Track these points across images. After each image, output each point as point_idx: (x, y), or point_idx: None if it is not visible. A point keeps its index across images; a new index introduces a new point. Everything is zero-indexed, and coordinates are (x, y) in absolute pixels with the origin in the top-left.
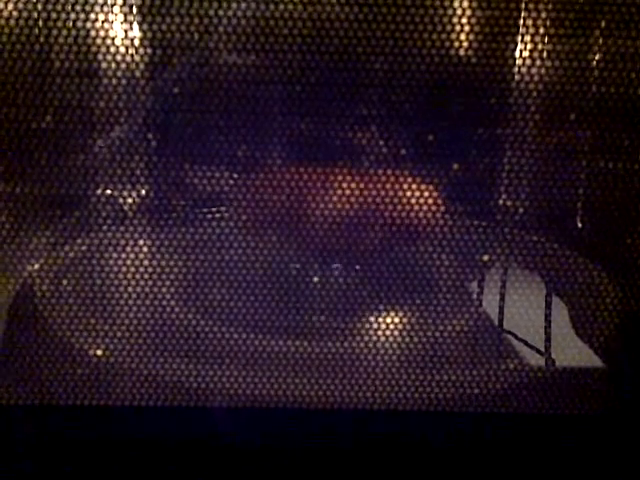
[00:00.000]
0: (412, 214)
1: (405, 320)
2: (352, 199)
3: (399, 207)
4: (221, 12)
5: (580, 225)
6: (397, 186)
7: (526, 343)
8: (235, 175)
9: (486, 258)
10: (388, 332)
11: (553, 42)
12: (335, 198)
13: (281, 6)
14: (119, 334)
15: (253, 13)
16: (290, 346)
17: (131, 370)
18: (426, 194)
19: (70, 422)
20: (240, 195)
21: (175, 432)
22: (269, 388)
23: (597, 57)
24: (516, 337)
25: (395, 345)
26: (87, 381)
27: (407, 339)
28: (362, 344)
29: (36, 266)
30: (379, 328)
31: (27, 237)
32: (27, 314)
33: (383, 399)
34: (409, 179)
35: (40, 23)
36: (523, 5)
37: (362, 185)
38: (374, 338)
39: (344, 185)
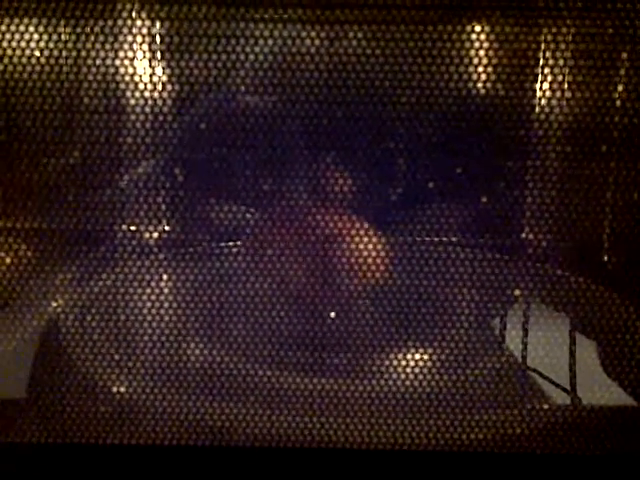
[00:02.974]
0: (433, 249)
1: (427, 360)
2: (374, 233)
3: (421, 242)
4: (247, 49)
5: (607, 259)
6: (419, 220)
7: (551, 381)
8: (258, 210)
9: (515, 293)
10: (409, 372)
11: (576, 75)
12: (357, 232)
13: (306, 42)
14: (142, 371)
15: (277, 49)
16: (315, 385)
17: (154, 408)
18: (448, 228)
19: (93, 461)
20: (264, 230)
21: (199, 472)
22: (294, 427)
23: (620, 89)
24: (541, 375)
25: (417, 385)
26: (110, 419)
27: (429, 379)
28: (383, 384)
29: (61, 302)
30: (400, 368)
31: (53, 273)
32: (52, 351)
33: (406, 440)
34: (431, 213)
35: (69, 61)
36: (543, 39)
37: (384, 218)
38: (395, 378)
39: (366, 219)
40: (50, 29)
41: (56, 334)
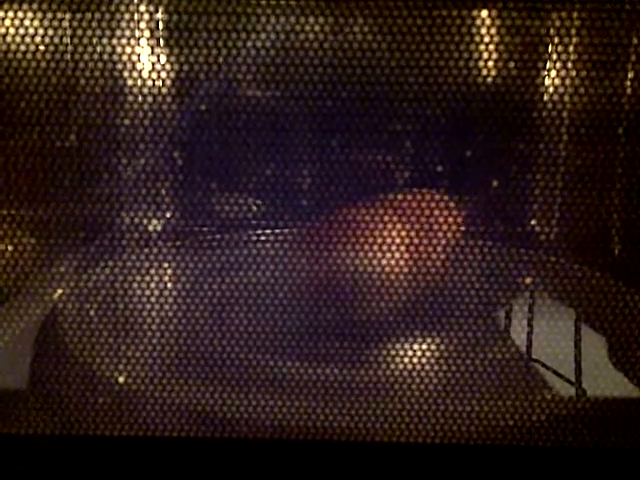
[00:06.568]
0: (440, 240)
1: (431, 351)
2: (380, 223)
3: (425, 231)
4: (250, 27)
5: (617, 250)
6: (424, 211)
7: (557, 373)
8: (260, 199)
9: (525, 282)
10: (413, 363)
11: (591, 54)
12: (363, 220)
13: (309, 21)
14: (142, 360)
15: (281, 29)
16: (318, 375)
17: (154, 399)
18: (454, 219)
19: (93, 453)
20: (265, 218)
21: (201, 465)
22: (298, 419)
23: (632, 75)
24: (546, 367)
25: (423, 376)
26: (110, 411)
27: (434, 370)
28: (387, 374)
29: (61, 291)
30: (407, 359)
31: (53, 262)
32: (52, 341)
33: (412, 432)
34: (438, 204)
35: (67, 41)
36: (552, 31)
37: (389, 209)
38: (398, 369)
39: (373, 210)
40: (44, 7)
41: (56, 324)
